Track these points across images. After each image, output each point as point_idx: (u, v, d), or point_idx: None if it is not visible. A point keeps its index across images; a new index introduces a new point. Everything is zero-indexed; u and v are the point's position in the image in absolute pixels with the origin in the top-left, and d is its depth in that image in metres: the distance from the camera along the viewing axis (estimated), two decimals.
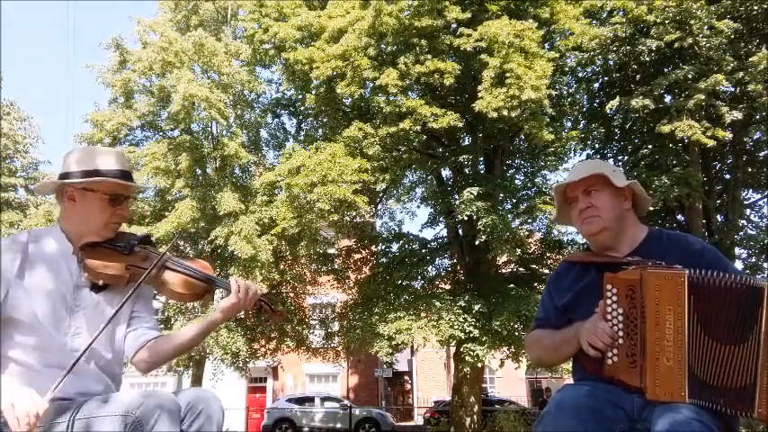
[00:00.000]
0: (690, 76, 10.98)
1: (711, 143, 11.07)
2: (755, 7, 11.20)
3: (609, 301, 1.67)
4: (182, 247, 15.45)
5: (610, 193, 1.87)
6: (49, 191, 1.85)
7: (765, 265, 13.37)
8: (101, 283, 1.75)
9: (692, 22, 10.81)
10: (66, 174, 1.76)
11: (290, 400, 21.26)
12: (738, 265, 13.00)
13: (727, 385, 1.53)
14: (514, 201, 13.97)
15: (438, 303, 13.00)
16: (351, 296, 16.52)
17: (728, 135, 11.82)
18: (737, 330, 1.53)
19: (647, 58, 11.66)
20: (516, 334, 13.09)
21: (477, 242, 12.55)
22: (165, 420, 1.46)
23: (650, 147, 13.00)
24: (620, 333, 1.64)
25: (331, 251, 17.04)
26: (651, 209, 13.13)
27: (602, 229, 1.85)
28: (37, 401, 1.40)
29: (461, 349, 13.06)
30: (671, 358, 1.56)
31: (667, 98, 12.26)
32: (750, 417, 1.51)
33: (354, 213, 13.60)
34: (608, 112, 12.39)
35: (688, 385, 1.54)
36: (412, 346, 15.54)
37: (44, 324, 1.64)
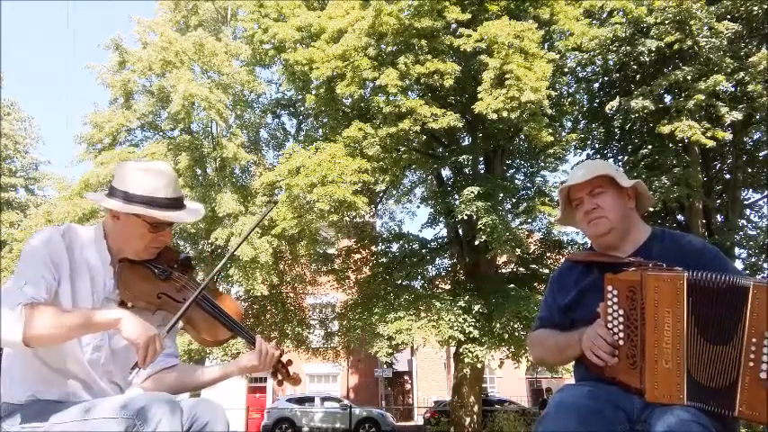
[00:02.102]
0: (689, 76, 10.98)
1: (711, 143, 11.07)
2: (755, 8, 11.19)
3: (609, 302, 1.67)
4: (182, 248, 15.44)
5: (615, 193, 1.87)
6: (99, 202, 1.78)
7: (765, 265, 13.37)
8: (129, 304, 1.72)
9: (692, 22, 10.81)
10: (113, 190, 1.71)
11: (290, 400, 21.24)
12: (738, 265, 13.00)
13: (716, 385, 1.53)
14: (514, 201, 13.98)
15: (438, 304, 13.00)
16: (350, 296, 16.52)
17: (728, 135, 11.83)
18: (726, 330, 1.54)
19: (647, 59, 11.66)
20: (516, 335, 13.09)
21: (476, 242, 12.55)
22: (167, 423, 1.46)
23: (650, 147, 13.00)
24: (621, 334, 1.65)
25: (331, 251, 17.04)
26: (651, 209, 13.18)
27: (609, 229, 1.85)
28: (162, 343, 1.55)
29: (461, 350, 13.07)
30: (669, 361, 1.57)
31: (667, 98, 12.27)
32: (731, 416, 1.51)
33: (354, 213, 13.60)
34: (608, 112, 12.38)
35: (687, 387, 1.55)
36: (412, 347, 15.53)
37: None
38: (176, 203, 1.75)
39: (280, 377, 1.93)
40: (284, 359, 1.92)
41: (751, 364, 1.50)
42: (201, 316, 1.77)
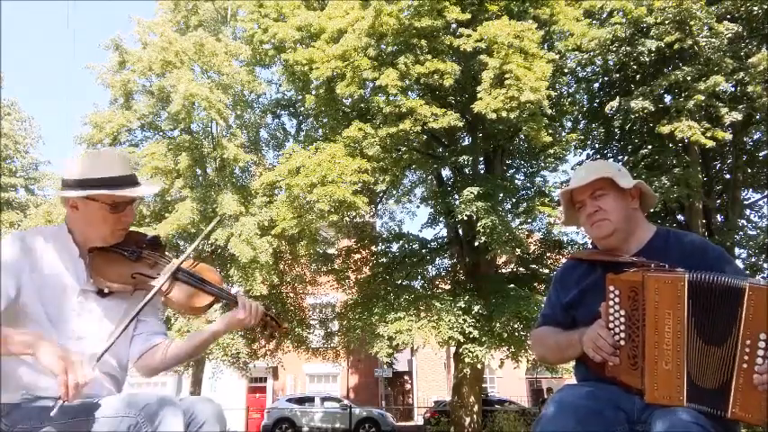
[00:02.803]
0: (689, 77, 10.98)
1: (711, 144, 11.07)
2: (755, 8, 11.19)
3: (611, 303, 1.67)
4: (182, 248, 15.43)
5: (617, 194, 1.87)
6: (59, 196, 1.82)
7: (765, 265, 13.38)
8: (106, 290, 1.74)
9: (692, 22, 10.81)
10: (66, 182, 1.73)
11: (290, 400, 21.26)
12: (738, 265, 12.98)
13: (711, 386, 1.53)
14: (514, 201, 13.97)
15: (438, 304, 12.99)
16: (350, 296, 16.52)
17: (728, 136, 11.83)
18: (722, 331, 1.54)
19: (647, 59, 11.66)
20: (516, 335, 13.09)
21: (476, 243, 12.56)
22: (169, 422, 1.46)
23: (650, 147, 13.00)
24: (622, 335, 1.65)
25: (331, 251, 17.04)
26: (651, 209, 13.16)
27: (612, 231, 1.85)
28: (87, 372, 1.43)
29: (461, 350, 13.07)
30: (669, 362, 1.57)
31: (667, 98, 12.27)
32: (724, 416, 1.51)
33: (354, 214, 13.60)
34: (608, 112, 12.38)
35: (686, 389, 1.55)
36: (412, 347, 15.53)
37: (50, 325, 1.62)
38: (131, 181, 1.76)
39: (270, 330, 1.93)
40: (271, 313, 1.93)
41: (745, 365, 1.50)
42: (181, 287, 1.79)
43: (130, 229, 1.83)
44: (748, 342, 1.50)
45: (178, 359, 1.84)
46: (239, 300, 1.82)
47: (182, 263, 1.81)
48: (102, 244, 1.75)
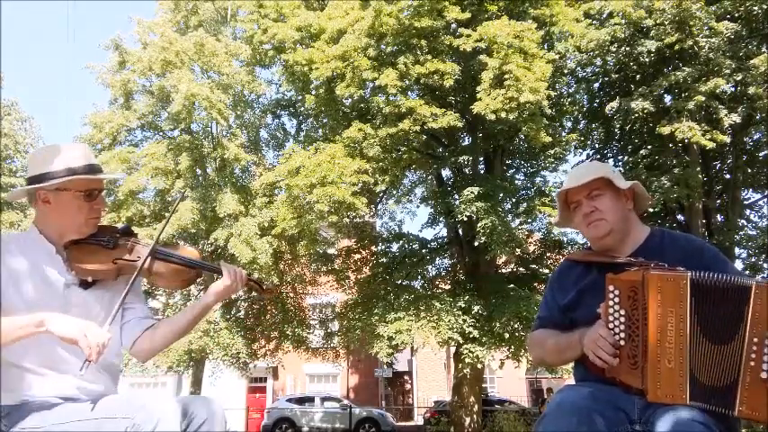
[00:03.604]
0: (690, 77, 10.98)
1: (711, 145, 11.07)
2: (755, 8, 11.19)
3: (611, 303, 1.67)
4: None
5: (612, 195, 1.87)
6: (21, 196, 1.81)
7: (765, 265, 13.39)
8: (90, 279, 1.75)
9: (692, 23, 10.81)
10: (36, 177, 1.72)
11: (290, 400, 21.26)
12: (738, 265, 13.01)
13: (716, 384, 1.54)
14: (514, 201, 13.97)
15: (438, 304, 12.98)
16: (350, 296, 16.52)
17: (727, 139, 11.81)
18: (728, 330, 1.54)
19: (647, 59, 11.66)
20: (516, 335, 13.08)
21: (476, 243, 12.55)
22: (166, 423, 1.45)
23: (650, 147, 13.01)
24: (622, 335, 1.64)
25: (331, 251, 17.04)
26: (651, 210, 13.20)
27: (608, 232, 1.85)
28: (104, 331, 1.52)
29: (461, 350, 13.06)
30: (672, 360, 1.57)
31: (667, 99, 12.27)
32: (731, 415, 1.52)
33: (354, 214, 13.60)
34: (608, 112, 12.39)
35: (689, 387, 1.55)
36: (412, 347, 15.54)
37: None
38: (97, 168, 1.79)
39: (255, 293, 1.99)
40: (253, 278, 1.97)
41: (752, 363, 1.50)
42: (162, 265, 1.84)
43: (101, 225, 1.85)
44: (755, 341, 1.50)
45: (172, 336, 1.85)
46: (223, 268, 1.85)
47: (158, 239, 1.87)
48: (78, 235, 1.76)
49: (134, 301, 1.86)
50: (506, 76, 10.99)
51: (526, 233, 14.63)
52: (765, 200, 14.93)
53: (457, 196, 13.07)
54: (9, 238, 1.72)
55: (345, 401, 21.56)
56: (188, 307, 1.90)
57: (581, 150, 15.12)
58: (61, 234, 1.75)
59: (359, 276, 16.49)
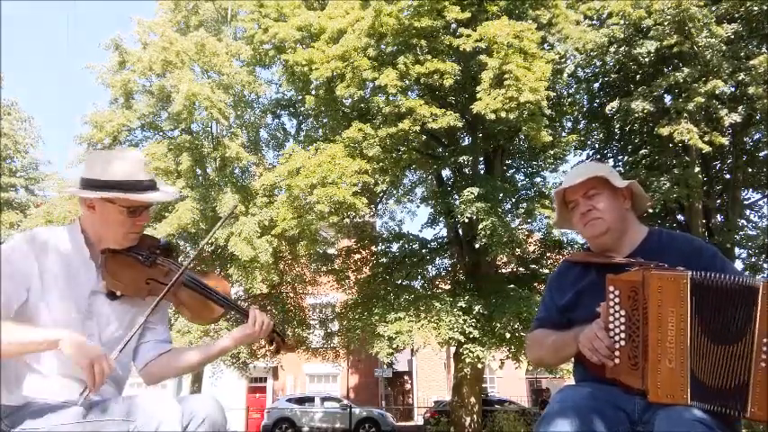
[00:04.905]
0: (689, 78, 10.98)
1: (708, 149, 11.07)
2: (755, 8, 11.19)
3: (611, 303, 1.66)
4: (182, 248, 15.44)
5: (610, 194, 1.87)
6: (72, 194, 1.80)
7: (765, 265, 13.38)
8: (118, 293, 1.72)
9: (691, 24, 10.81)
10: (86, 181, 1.71)
11: (290, 400, 21.26)
12: (738, 265, 13.01)
13: (723, 385, 1.53)
14: (514, 201, 13.96)
15: (438, 304, 12.98)
16: (350, 296, 16.52)
17: (726, 141, 11.81)
18: (734, 330, 1.54)
19: (646, 59, 11.66)
20: (517, 335, 13.08)
21: (476, 244, 12.55)
22: (167, 424, 1.45)
23: (650, 147, 13.01)
24: (622, 335, 1.64)
25: (331, 251, 17.04)
26: (651, 210, 13.20)
27: (605, 230, 1.85)
28: (111, 362, 1.51)
29: (461, 350, 13.06)
30: (673, 360, 1.56)
31: (667, 99, 12.27)
32: (743, 416, 1.51)
33: (354, 214, 13.59)
34: (608, 113, 12.39)
35: (690, 387, 1.54)
36: (412, 347, 15.53)
37: (54, 326, 1.59)
38: (150, 186, 1.74)
39: (275, 345, 1.95)
40: (278, 329, 1.95)
41: (763, 364, 1.49)
42: (191, 295, 1.80)
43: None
44: (765, 341, 1.49)
45: (182, 371, 1.85)
46: (250, 313, 1.83)
47: (188, 266, 1.80)
48: (116, 246, 1.74)
49: (156, 322, 1.83)
50: (506, 76, 10.99)
51: (526, 233, 14.63)
52: (765, 200, 14.94)
53: (457, 196, 13.07)
54: (51, 231, 1.71)
55: (345, 401, 21.56)
56: (204, 345, 1.89)
57: (581, 151, 15.12)
58: (100, 240, 1.73)
59: (359, 276, 16.48)
